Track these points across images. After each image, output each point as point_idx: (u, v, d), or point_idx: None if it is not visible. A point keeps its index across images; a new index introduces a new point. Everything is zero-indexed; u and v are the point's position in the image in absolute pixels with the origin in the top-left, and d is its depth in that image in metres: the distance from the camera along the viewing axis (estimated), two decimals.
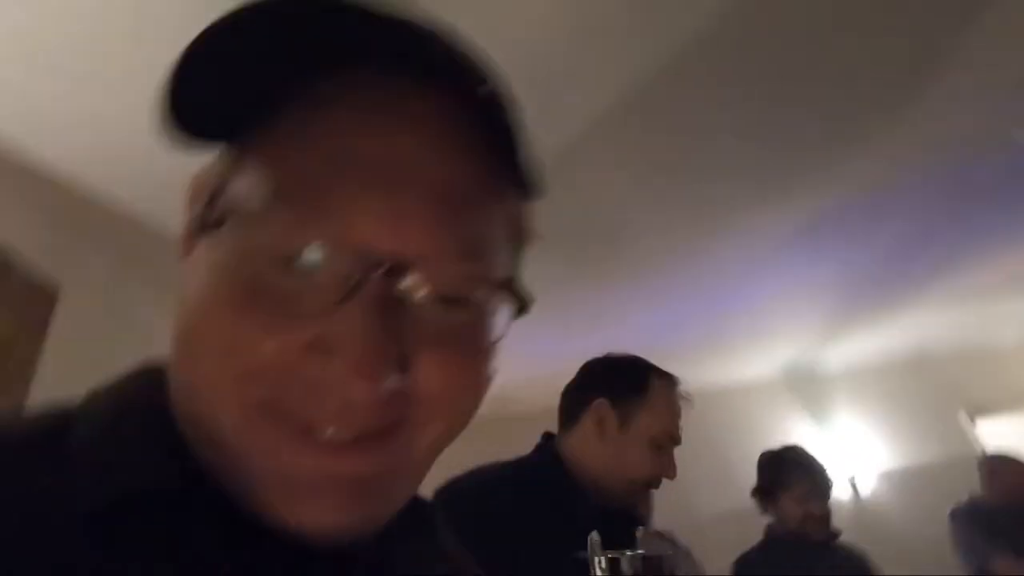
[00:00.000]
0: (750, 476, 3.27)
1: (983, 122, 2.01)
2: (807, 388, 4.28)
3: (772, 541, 1.63)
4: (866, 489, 4.04)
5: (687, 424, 3.48)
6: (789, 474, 1.65)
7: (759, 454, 1.78)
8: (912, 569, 3.26)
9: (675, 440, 0.99)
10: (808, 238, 2.56)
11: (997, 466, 2.29)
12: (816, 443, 3.87)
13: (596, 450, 0.95)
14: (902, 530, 3.74)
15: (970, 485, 3.09)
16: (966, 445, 4.09)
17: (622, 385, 1.00)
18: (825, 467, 1.65)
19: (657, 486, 0.98)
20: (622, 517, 0.90)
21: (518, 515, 0.82)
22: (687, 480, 3.43)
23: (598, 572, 0.71)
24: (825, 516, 1.58)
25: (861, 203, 2.38)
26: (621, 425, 0.96)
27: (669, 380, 1.03)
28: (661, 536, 2.08)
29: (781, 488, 1.64)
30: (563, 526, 0.79)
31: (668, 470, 0.99)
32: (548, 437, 1.04)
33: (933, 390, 4.28)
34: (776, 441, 3.46)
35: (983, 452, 3.20)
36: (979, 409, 4.26)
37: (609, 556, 0.71)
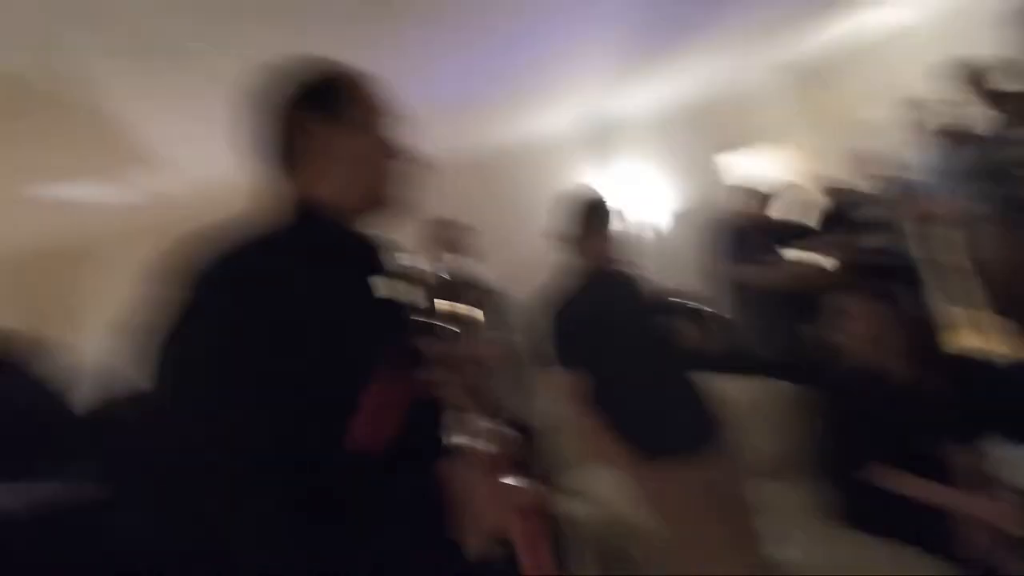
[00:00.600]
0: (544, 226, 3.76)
1: None
2: (599, 137, 4.55)
3: (584, 282, 1.73)
4: (658, 228, 4.60)
5: (488, 185, 3.84)
6: (588, 216, 1.75)
7: (559, 200, 1.81)
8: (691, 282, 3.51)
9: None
10: None
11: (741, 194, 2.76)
12: (609, 188, 4.34)
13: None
14: (681, 255, 4.16)
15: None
16: (718, 176, 4.80)
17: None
18: (619, 208, 1.76)
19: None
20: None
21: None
22: (488, 242, 3.45)
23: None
24: (613, 256, 1.72)
25: None
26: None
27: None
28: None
29: (584, 229, 1.74)
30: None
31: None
32: None
33: (710, 132, 4.83)
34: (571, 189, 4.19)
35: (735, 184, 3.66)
36: (731, 146, 4.96)
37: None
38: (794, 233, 3.97)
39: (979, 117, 2.96)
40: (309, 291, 0.70)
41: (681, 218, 4.77)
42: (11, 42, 1.79)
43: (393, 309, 0.81)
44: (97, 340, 2.63)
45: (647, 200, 4.71)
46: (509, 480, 0.73)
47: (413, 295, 0.78)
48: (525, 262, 4.06)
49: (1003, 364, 2.40)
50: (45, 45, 1.83)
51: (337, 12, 2.22)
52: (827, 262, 2.69)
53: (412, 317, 0.79)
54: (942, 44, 4.24)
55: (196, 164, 2.94)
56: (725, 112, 5.15)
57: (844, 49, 5.06)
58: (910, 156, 3.56)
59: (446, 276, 2.03)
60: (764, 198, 2.82)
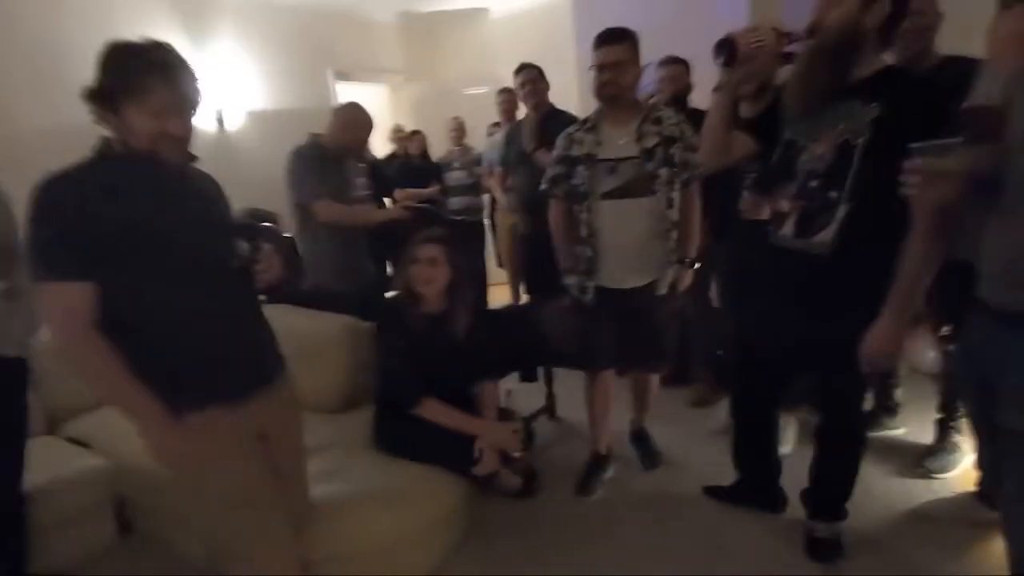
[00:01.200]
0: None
1: None
2: (192, 7, 3.92)
3: (109, 159, 1.23)
4: (232, 124, 4.23)
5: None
6: (147, 78, 1.17)
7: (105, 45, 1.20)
8: (272, 194, 3.40)
9: None
10: None
11: (343, 114, 2.59)
12: (192, 62, 3.82)
13: None
14: (258, 164, 3.96)
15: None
16: (326, 100, 4.85)
17: None
18: (196, 79, 1.25)
19: None
20: None
21: None
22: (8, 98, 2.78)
23: None
24: (184, 137, 1.25)
25: None
26: None
27: None
28: None
29: (132, 94, 1.18)
30: None
31: None
32: None
33: (311, 45, 4.77)
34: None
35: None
36: (343, 73, 5.06)
37: None
38: (390, 172, 4.22)
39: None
40: None
41: (257, 119, 4.35)
42: None
43: None
44: None
45: (228, 92, 4.11)
46: None
47: None
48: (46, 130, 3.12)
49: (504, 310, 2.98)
50: None
51: None
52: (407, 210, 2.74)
53: None
54: None
55: None
56: (341, 34, 5.01)
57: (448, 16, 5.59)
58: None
59: None
60: (366, 130, 2.65)
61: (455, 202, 4.32)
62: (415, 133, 4.59)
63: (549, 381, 2.85)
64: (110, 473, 2.09)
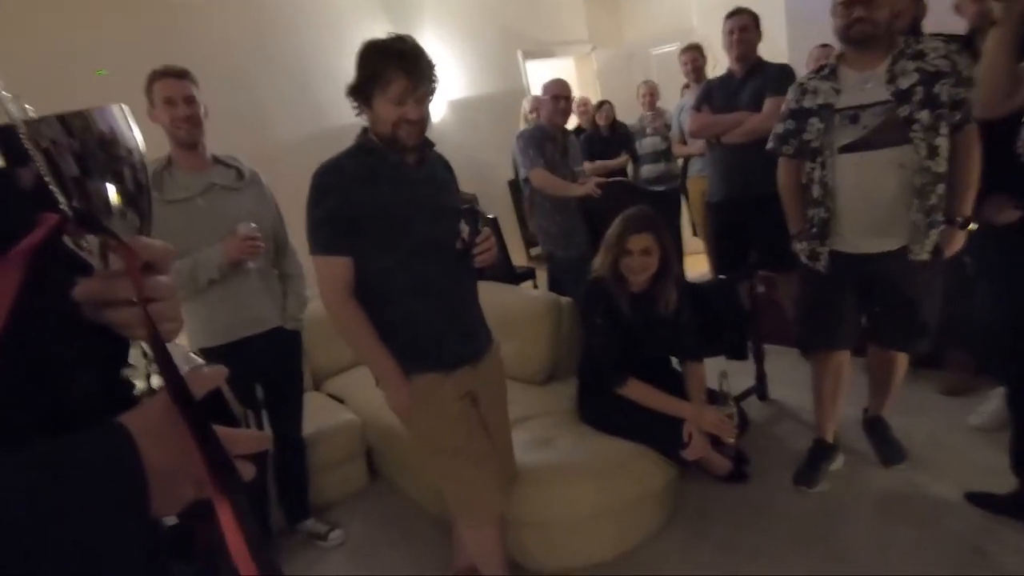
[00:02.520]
0: (335, 93, 4.04)
1: None
2: (399, 6, 4.26)
3: (363, 149, 1.42)
4: (436, 115, 4.45)
5: (263, 41, 3.32)
6: (386, 69, 1.32)
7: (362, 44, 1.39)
8: (473, 177, 3.78)
9: None
10: None
11: (544, 90, 2.73)
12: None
13: None
14: (460, 151, 3.90)
15: (518, 114, 4.26)
16: (517, 81, 4.98)
17: None
18: (431, 67, 1.38)
19: None
20: None
21: None
22: (267, 105, 3.36)
23: None
24: (419, 121, 1.38)
25: None
26: None
27: None
28: (221, 162, 1.87)
29: (377, 85, 1.35)
30: None
31: None
32: None
33: (500, 28, 4.88)
34: (355, 44, 4.05)
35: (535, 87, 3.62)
36: (530, 52, 5.10)
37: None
38: (597, 146, 4.22)
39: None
40: None
41: (458, 108, 4.60)
42: None
43: None
44: None
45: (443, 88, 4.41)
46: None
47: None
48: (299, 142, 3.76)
49: (705, 285, 2.81)
50: None
51: None
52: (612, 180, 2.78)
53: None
54: None
55: None
56: (529, 13, 5.07)
57: None
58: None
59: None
60: (566, 106, 2.73)
61: (647, 170, 4.17)
62: (602, 104, 4.51)
63: (760, 359, 2.63)
64: (361, 426, 2.47)
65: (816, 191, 1.81)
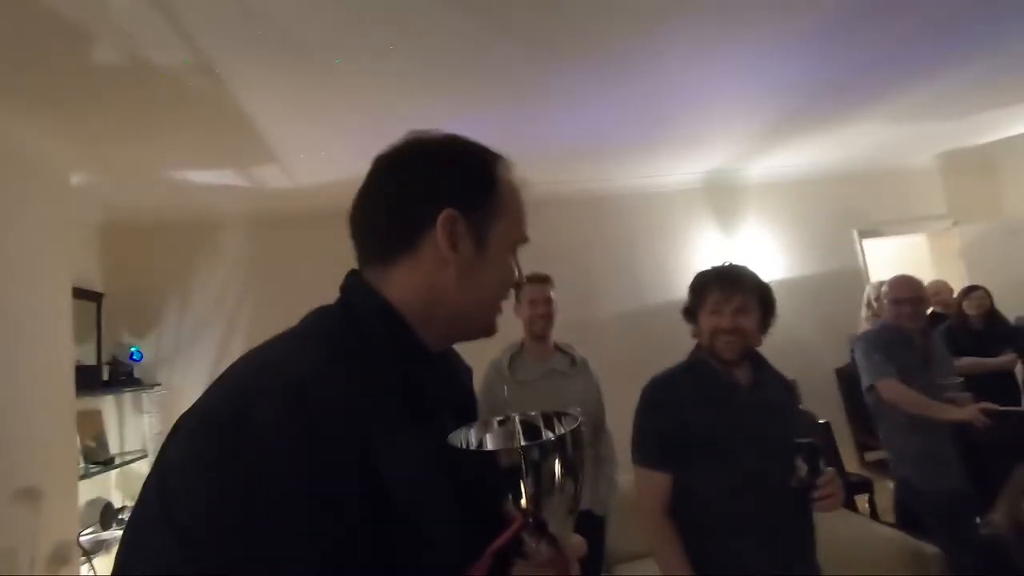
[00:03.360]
0: (656, 277, 4.03)
1: None
2: (723, 197, 4.41)
3: (694, 367, 1.47)
4: None
5: (601, 225, 3.82)
6: (707, 284, 1.46)
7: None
8: (794, 361, 3.22)
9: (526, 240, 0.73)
10: (749, 51, 2.48)
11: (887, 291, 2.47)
12: (723, 251, 4.23)
13: (447, 282, 0.64)
14: (783, 329, 3.53)
15: (853, 296, 3.73)
16: (852, 260, 4.58)
17: (470, 184, 0.66)
18: (755, 279, 1.46)
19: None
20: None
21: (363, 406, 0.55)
22: (595, 279, 3.73)
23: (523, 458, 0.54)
24: (736, 330, 1.39)
25: (804, 24, 2.31)
26: (479, 241, 0.66)
27: (510, 166, 0.71)
28: (560, 350, 2.13)
29: (699, 304, 1.47)
30: (417, 404, 0.60)
31: (520, 277, 0.73)
32: (353, 276, 0.69)
33: (831, 207, 4.62)
34: (682, 243, 4.23)
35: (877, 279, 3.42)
36: (869, 230, 4.68)
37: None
38: (965, 341, 3.48)
39: None
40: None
41: (785, 287, 4.36)
42: (163, 40, 1.86)
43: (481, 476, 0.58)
44: None
45: (758, 267, 4.38)
46: None
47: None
48: (623, 315, 4.15)
49: None
50: (191, 44, 1.90)
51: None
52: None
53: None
54: None
55: (314, 165, 3.03)
56: (866, 190, 4.74)
57: (1010, 144, 4.49)
58: None
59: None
60: (911, 310, 2.33)
61: None
62: (972, 290, 3.73)
63: None
64: None
65: None
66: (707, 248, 4.33)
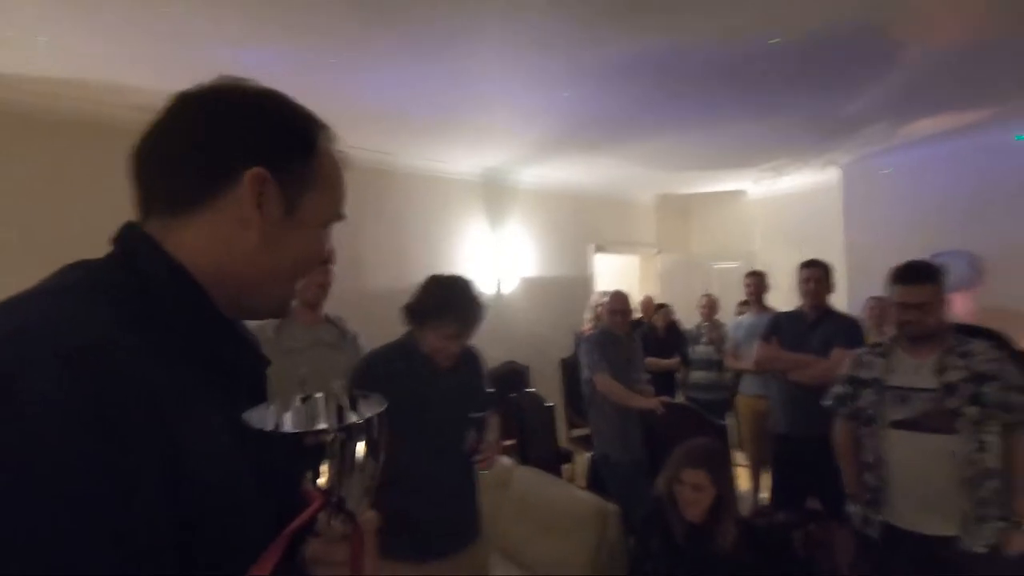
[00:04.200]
0: (426, 259, 4.16)
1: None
2: (494, 195, 4.82)
3: (405, 346, 1.67)
4: (507, 288, 4.89)
5: (380, 199, 3.85)
6: (444, 309, 1.60)
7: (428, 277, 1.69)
8: (529, 350, 4.78)
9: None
10: (548, 72, 2.79)
11: (609, 302, 3.04)
12: (487, 241, 4.69)
13: (246, 246, 0.59)
14: (525, 322, 4.89)
15: (582, 300, 4.69)
16: (584, 268, 5.48)
17: (289, 146, 0.61)
18: (480, 305, 1.65)
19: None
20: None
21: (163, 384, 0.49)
22: (367, 252, 3.72)
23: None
24: (459, 353, 1.68)
25: (594, 64, 2.70)
26: (289, 207, 0.60)
27: (333, 137, 0.66)
28: (331, 322, 2.13)
29: (430, 319, 1.60)
30: (215, 376, 0.57)
31: (329, 255, 0.69)
32: (132, 229, 0.60)
33: (577, 223, 5.44)
34: (454, 231, 4.50)
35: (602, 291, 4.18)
36: (601, 245, 5.63)
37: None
38: (653, 344, 4.43)
39: None
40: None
41: (527, 285, 5.03)
42: None
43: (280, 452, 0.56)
44: None
45: (509, 262, 4.90)
46: None
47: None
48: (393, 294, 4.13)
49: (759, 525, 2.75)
50: None
51: None
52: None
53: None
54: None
55: (61, 56, 2.34)
56: (604, 212, 5.70)
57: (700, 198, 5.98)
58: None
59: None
60: (622, 319, 2.98)
61: (698, 376, 4.29)
62: (661, 306, 4.81)
63: None
64: None
65: (869, 456, 1.89)
66: (475, 238, 4.65)
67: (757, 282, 3.80)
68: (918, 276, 1.84)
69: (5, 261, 2.11)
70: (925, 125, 3.92)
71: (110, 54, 2.29)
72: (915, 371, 1.83)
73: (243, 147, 0.58)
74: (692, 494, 1.91)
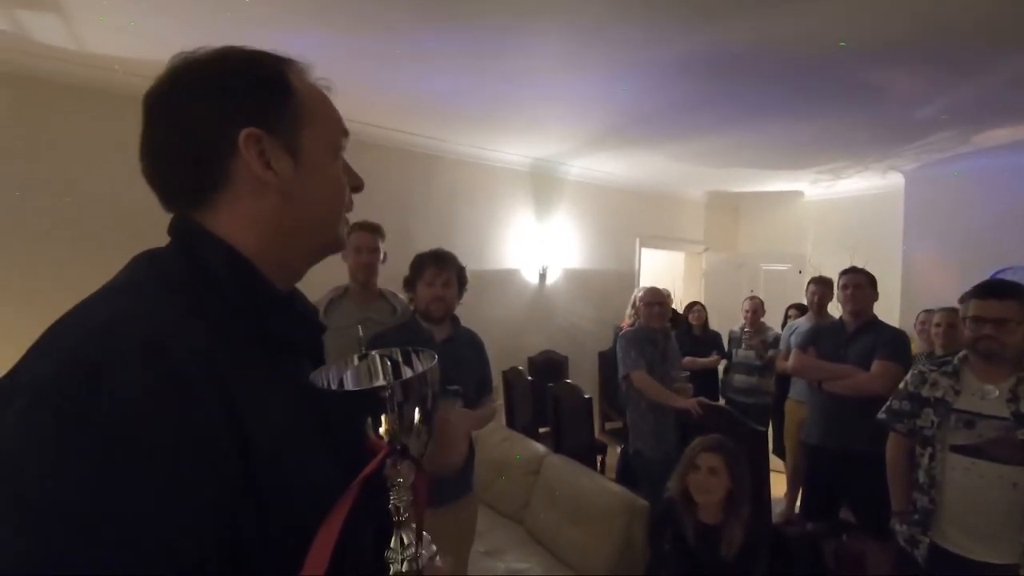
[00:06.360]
0: (471, 244, 4.29)
1: None
2: (542, 185, 4.86)
3: (407, 326, 2.00)
4: (551, 278, 4.93)
5: (430, 183, 4.01)
6: (422, 261, 2.00)
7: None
8: (568, 340, 4.93)
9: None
10: (601, 67, 2.81)
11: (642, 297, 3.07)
12: (533, 230, 4.74)
13: (274, 208, 0.60)
14: (566, 312, 5.00)
15: (624, 294, 4.59)
16: (631, 262, 5.49)
17: (264, 96, 0.60)
18: (456, 261, 2.03)
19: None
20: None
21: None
22: (414, 235, 3.67)
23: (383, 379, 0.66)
24: (445, 298, 1.96)
25: (647, 60, 2.70)
26: (294, 153, 0.61)
27: (303, 67, 0.64)
28: (384, 297, 2.25)
29: (416, 277, 1.99)
30: (280, 348, 0.61)
31: (356, 179, 0.68)
32: (185, 222, 0.61)
33: (624, 217, 5.42)
34: (500, 219, 4.56)
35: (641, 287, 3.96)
36: (647, 240, 5.62)
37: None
38: (687, 345, 4.36)
39: None
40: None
41: (572, 276, 5.05)
42: None
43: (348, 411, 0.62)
44: None
45: (553, 253, 4.92)
46: None
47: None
48: None
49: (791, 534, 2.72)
50: None
51: None
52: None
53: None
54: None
55: (111, 34, 2.51)
56: (651, 207, 5.64)
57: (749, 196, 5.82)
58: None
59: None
60: (660, 311, 2.98)
61: (739, 379, 4.23)
62: (694, 304, 4.72)
63: None
64: None
65: (923, 477, 1.84)
66: (521, 226, 4.69)
67: (822, 290, 3.67)
68: (999, 291, 1.77)
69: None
70: (1000, 135, 3.72)
71: (184, 37, 2.41)
72: (985, 395, 1.76)
73: (223, 117, 0.58)
74: (707, 479, 1.90)
